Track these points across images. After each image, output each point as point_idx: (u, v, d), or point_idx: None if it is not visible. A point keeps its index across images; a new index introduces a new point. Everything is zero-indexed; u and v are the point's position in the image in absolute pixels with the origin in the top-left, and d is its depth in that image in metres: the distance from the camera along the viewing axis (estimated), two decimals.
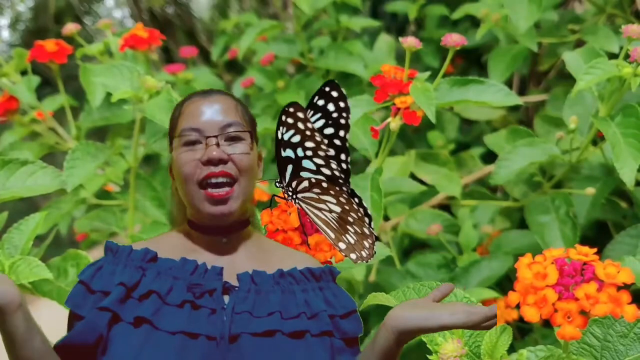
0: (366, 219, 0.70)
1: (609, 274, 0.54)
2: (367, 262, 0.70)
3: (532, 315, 0.53)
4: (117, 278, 0.59)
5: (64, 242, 1.83)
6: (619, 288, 0.53)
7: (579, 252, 0.57)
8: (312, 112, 0.71)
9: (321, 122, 0.70)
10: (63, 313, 0.66)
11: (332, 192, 0.68)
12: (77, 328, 0.58)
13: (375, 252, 0.71)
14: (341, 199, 0.68)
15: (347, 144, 0.71)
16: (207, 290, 0.60)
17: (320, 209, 0.70)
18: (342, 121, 0.70)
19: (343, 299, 0.64)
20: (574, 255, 0.56)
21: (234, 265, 0.63)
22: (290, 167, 0.69)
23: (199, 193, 0.62)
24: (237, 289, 0.61)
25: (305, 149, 0.67)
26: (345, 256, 0.70)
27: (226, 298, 0.60)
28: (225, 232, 0.65)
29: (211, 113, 0.64)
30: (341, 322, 0.62)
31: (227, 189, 0.62)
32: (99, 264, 0.62)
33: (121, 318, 0.57)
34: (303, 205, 0.70)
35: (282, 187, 0.70)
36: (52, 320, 0.91)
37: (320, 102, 0.70)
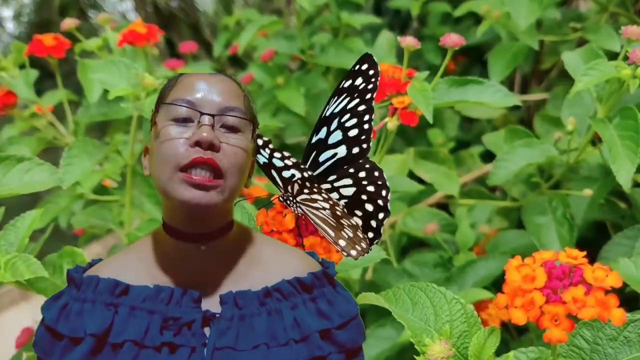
0: (383, 192, 0.71)
1: (597, 277, 0.54)
2: (367, 253, 0.69)
3: (519, 318, 0.53)
4: (86, 321, 0.52)
5: (65, 234, 1.84)
6: (607, 292, 0.53)
7: (569, 255, 0.57)
8: (336, 97, 0.72)
9: (345, 101, 0.72)
10: None
11: (314, 189, 0.67)
12: None
13: (371, 242, 0.72)
14: (323, 194, 0.66)
15: (373, 103, 0.72)
16: (185, 324, 0.53)
17: (317, 208, 0.69)
18: (370, 86, 0.71)
19: (340, 305, 0.56)
20: (563, 258, 0.56)
21: (215, 278, 0.56)
22: (274, 172, 0.68)
23: (176, 175, 0.51)
24: (218, 316, 0.54)
25: (263, 147, 0.66)
26: (347, 255, 0.70)
27: (207, 330, 0.54)
28: (204, 239, 0.55)
29: (212, 91, 0.54)
30: (338, 334, 0.55)
31: (212, 176, 0.52)
32: (62, 301, 0.54)
33: None
34: (304, 207, 0.69)
35: (285, 198, 0.70)
36: None
37: (347, 84, 0.72)
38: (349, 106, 0.72)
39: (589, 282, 0.53)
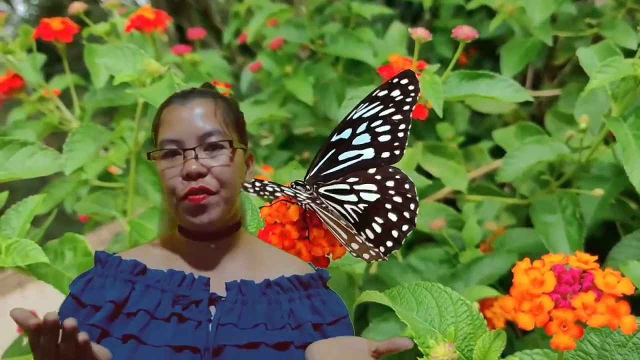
0: (412, 205, 0.72)
1: (609, 283, 0.52)
2: (383, 259, 0.71)
3: (526, 322, 0.52)
4: (107, 292, 0.59)
5: (72, 218, 1.83)
6: (618, 298, 0.52)
7: (579, 259, 0.55)
8: (367, 103, 0.75)
9: (378, 108, 0.74)
10: None
11: (327, 210, 0.69)
12: None
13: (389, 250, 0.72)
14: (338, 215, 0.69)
15: (410, 115, 0.74)
16: (194, 302, 0.59)
17: (330, 211, 0.70)
18: (409, 99, 0.73)
19: (332, 305, 0.63)
20: (573, 262, 0.55)
21: (223, 272, 0.63)
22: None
23: (180, 205, 0.61)
24: (223, 299, 0.60)
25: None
26: (357, 256, 0.69)
27: (213, 309, 0.60)
28: (214, 238, 0.64)
29: (189, 121, 0.62)
30: (328, 329, 0.61)
31: (205, 195, 0.61)
32: (88, 276, 0.62)
33: (110, 334, 0.58)
34: (314, 206, 0.70)
35: (294, 191, 0.72)
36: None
37: (382, 93, 0.74)
38: (382, 114, 0.74)
39: (600, 288, 0.51)
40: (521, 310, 0.52)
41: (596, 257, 0.55)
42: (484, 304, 1.12)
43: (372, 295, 0.66)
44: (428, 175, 1.27)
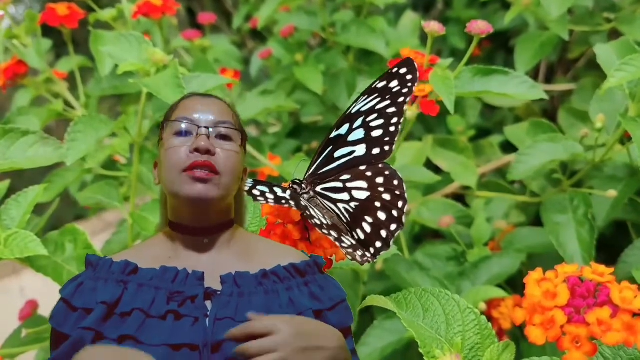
0: (400, 203, 0.70)
1: (625, 298, 0.50)
2: (373, 261, 0.69)
3: (537, 336, 0.50)
4: (99, 294, 0.58)
5: (77, 202, 1.82)
6: (634, 314, 0.50)
7: (594, 271, 0.53)
8: (366, 96, 0.73)
9: (375, 101, 0.72)
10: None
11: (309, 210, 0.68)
12: (62, 348, 0.57)
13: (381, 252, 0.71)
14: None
15: (403, 108, 0.73)
16: (189, 297, 0.58)
17: (321, 209, 0.70)
18: (405, 90, 0.72)
19: (330, 290, 0.62)
20: (588, 274, 0.53)
21: (217, 266, 0.62)
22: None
23: (180, 177, 0.61)
24: (219, 293, 0.59)
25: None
26: (351, 259, 0.68)
27: (209, 304, 0.59)
28: (207, 233, 0.63)
29: (207, 110, 0.64)
30: (329, 314, 0.60)
31: (209, 172, 0.61)
32: (79, 280, 0.60)
33: (105, 336, 0.56)
34: (307, 204, 0.70)
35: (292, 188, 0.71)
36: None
37: (381, 85, 0.73)
38: (378, 107, 0.72)
39: (616, 304, 0.49)
40: (532, 324, 0.51)
41: (612, 270, 0.53)
42: (491, 303, 1.10)
43: (377, 300, 0.64)
44: (437, 170, 1.25)
